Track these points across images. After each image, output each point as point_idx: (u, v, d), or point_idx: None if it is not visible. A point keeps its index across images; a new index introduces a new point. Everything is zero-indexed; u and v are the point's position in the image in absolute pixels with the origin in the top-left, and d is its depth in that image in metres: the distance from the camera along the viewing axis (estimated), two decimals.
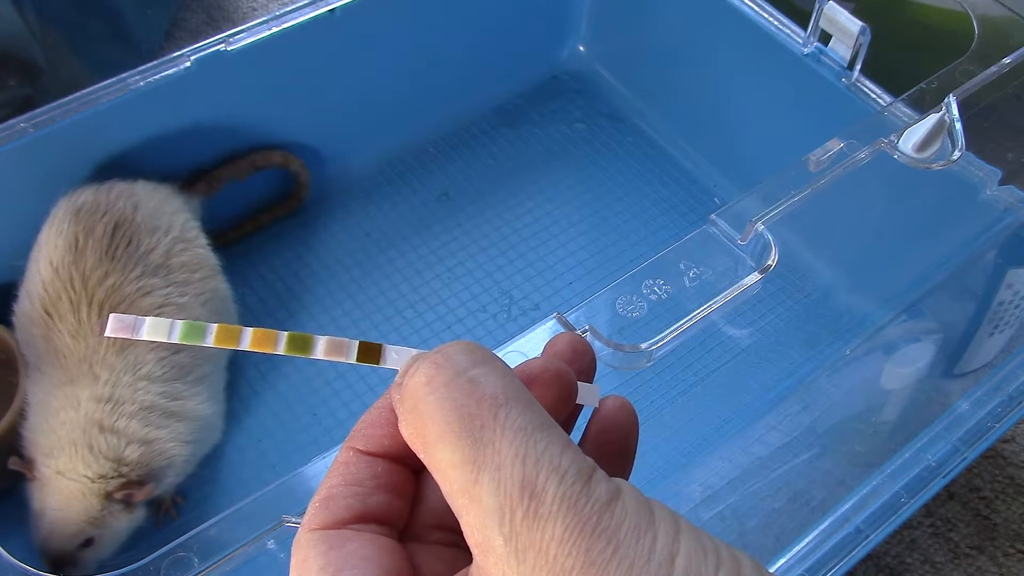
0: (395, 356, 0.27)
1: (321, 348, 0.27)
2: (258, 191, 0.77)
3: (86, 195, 0.63)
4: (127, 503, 0.57)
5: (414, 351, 0.27)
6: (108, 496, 0.56)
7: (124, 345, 0.59)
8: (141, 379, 0.59)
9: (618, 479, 0.22)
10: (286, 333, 0.27)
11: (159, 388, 0.59)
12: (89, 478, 0.56)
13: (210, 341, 0.27)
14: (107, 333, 0.26)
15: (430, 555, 0.26)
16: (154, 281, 0.61)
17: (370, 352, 0.27)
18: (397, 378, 0.25)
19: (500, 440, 0.22)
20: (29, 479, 0.57)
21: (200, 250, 0.66)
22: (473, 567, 0.23)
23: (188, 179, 0.71)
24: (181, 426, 0.60)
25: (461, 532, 0.23)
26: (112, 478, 0.56)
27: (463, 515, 0.22)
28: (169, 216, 0.65)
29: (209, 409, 0.63)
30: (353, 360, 0.27)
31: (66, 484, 0.56)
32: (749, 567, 0.22)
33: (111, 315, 0.27)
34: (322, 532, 0.25)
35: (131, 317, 0.27)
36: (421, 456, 0.23)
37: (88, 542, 0.57)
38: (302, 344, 0.27)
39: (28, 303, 0.60)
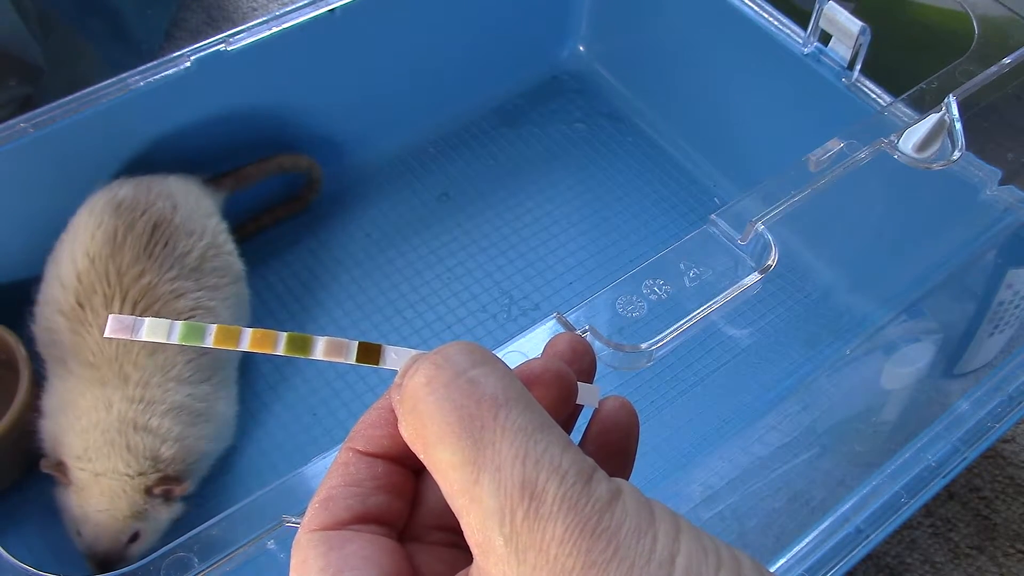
0: (394, 357, 0.27)
1: (320, 349, 0.27)
2: (260, 192, 0.77)
3: (126, 189, 0.64)
4: (167, 497, 0.58)
5: (413, 352, 0.27)
6: (148, 491, 0.57)
7: (155, 347, 0.59)
8: (171, 380, 0.59)
9: (618, 479, 0.22)
10: (285, 334, 0.27)
11: (188, 389, 0.60)
12: (129, 476, 0.56)
13: (209, 342, 0.27)
14: (106, 334, 0.26)
15: (430, 555, 0.26)
16: (187, 284, 0.62)
17: (369, 353, 0.27)
18: (396, 379, 0.25)
19: (500, 441, 0.22)
20: (64, 484, 0.57)
21: (228, 256, 0.67)
22: (473, 567, 0.23)
23: (215, 175, 0.72)
24: (208, 426, 0.61)
25: (461, 532, 0.23)
26: (151, 474, 0.57)
27: (463, 515, 0.22)
28: (204, 219, 0.66)
29: (231, 410, 0.64)
30: (352, 361, 0.27)
31: (107, 484, 0.56)
32: (749, 567, 0.22)
33: (110, 316, 0.27)
34: (322, 533, 0.25)
35: (130, 318, 0.27)
36: (421, 457, 0.23)
37: (135, 536, 0.57)
38: (301, 345, 0.27)
39: (60, 290, 0.60)
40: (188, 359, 0.61)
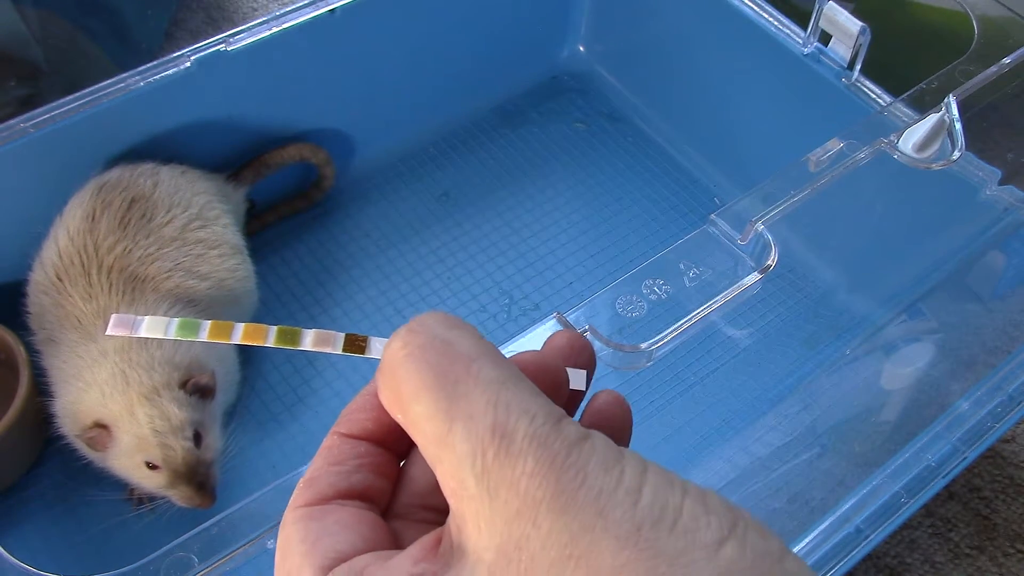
0: (379, 347, 0.28)
1: (309, 340, 0.28)
2: (264, 190, 0.77)
3: (113, 172, 0.64)
4: (202, 392, 0.58)
5: None
6: (183, 387, 0.57)
7: (134, 298, 0.60)
8: None
9: (590, 430, 0.23)
10: (275, 327, 0.28)
11: None
12: (156, 390, 0.56)
13: (204, 336, 0.28)
14: (108, 332, 0.27)
15: (414, 532, 0.26)
16: (165, 251, 0.62)
17: (356, 343, 0.28)
18: (380, 363, 0.25)
19: (472, 391, 0.23)
20: (102, 448, 0.56)
21: (220, 229, 0.66)
22: (449, 518, 0.23)
23: (235, 171, 0.73)
24: (209, 353, 0.61)
25: (446, 512, 0.23)
26: (174, 374, 0.57)
27: (438, 465, 0.23)
28: (190, 196, 0.66)
29: (225, 368, 0.64)
30: (339, 351, 0.28)
31: (144, 412, 0.55)
32: (715, 497, 0.22)
33: (112, 315, 0.28)
34: (305, 509, 0.26)
35: (130, 316, 0.28)
36: (399, 418, 0.24)
37: (198, 439, 0.57)
38: (291, 337, 0.28)
39: (41, 271, 0.61)
40: (169, 306, 0.61)
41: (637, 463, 0.22)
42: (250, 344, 0.28)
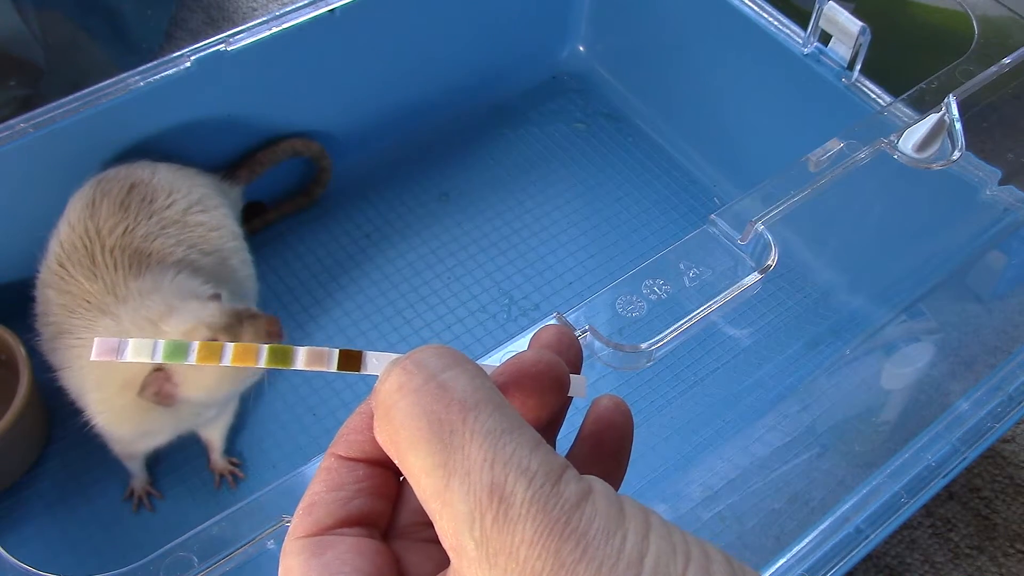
0: (375, 362, 0.27)
1: (302, 359, 0.27)
2: (265, 189, 0.77)
3: (113, 169, 0.65)
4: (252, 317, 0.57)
5: (394, 356, 0.27)
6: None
7: (140, 271, 0.60)
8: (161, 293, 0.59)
9: (590, 477, 0.23)
10: (267, 346, 0.27)
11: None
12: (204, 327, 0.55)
13: (192, 359, 0.27)
14: (93, 357, 0.26)
15: (417, 553, 0.26)
16: (168, 230, 0.62)
17: (351, 360, 0.27)
18: (376, 384, 0.25)
19: (469, 445, 0.22)
20: (173, 397, 0.55)
21: (220, 215, 0.66)
22: (451, 569, 0.23)
23: (229, 169, 0.73)
24: None
25: None
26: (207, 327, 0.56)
27: (437, 519, 0.22)
28: (189, 187, 0.66)
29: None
30: (334, 369, 0.27)
31: (174, 321, 0.55)
32: (720, 563, 0.22)
33: (96, 339, 0.27)
34: (305, 540, 0.25)
35: (115, 340, 0.27)
36: (396, 462, 0.23)
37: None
38: (282, 356, 0.27)
39: (45, 267, 0.62)
40: (177, 272, 0.60)
41: (640, 524, 0.22)
42: (241, 366, 0.27)
